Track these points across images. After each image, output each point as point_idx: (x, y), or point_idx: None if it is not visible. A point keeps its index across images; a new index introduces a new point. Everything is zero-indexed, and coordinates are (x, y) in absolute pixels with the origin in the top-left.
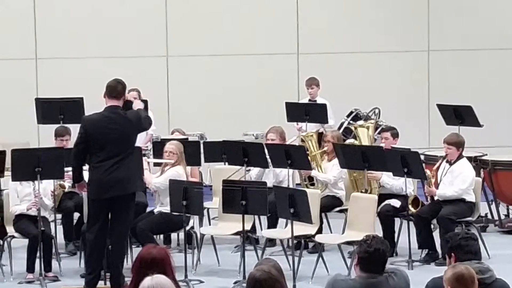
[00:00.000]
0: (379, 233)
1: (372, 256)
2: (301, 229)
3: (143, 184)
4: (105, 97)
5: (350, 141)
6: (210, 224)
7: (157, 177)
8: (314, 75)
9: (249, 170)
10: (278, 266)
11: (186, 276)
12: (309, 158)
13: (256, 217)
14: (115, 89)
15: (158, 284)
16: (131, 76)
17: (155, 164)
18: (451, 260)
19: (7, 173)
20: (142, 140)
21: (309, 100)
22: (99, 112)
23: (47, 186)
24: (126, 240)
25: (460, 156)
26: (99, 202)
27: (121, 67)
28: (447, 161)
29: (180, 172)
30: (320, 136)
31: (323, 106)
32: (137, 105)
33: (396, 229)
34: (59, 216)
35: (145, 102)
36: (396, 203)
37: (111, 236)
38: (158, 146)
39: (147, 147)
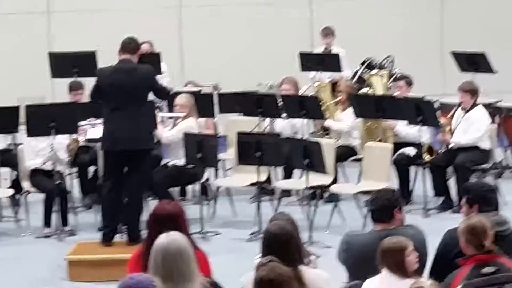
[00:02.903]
0: (395, 181)
1: (383, 207)
2: (316, 179)
3: (153, 142)
4: (119, 53)
5: (364, 90)
6: (225, 176)
7: (169, 131)
8: (327, 24)
9: (264, 120)
10: (293, 221)
11: (202, 228)
12: (323, 108)
13: (272, 168)
14: (128, 45)
15: (174, 241)
16: (143, 28)
17: (169, 118)
18: (470, 211)
19: (21, 128)
20: None
21: (325, 48)
22: (112, 65)
23: (61, 141)
24: (142, 195)
25: (474, 104)
26: (111, 155)
27: (134, 19)
28: (462, 109)
29: (192, 125)
30: (334, 86)
31: (337, 56)
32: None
33: (412, 178)
34: (74, 170)
35: (157, 54)
36: (411, 151)
37: (127, 191)
38: (172, 99)
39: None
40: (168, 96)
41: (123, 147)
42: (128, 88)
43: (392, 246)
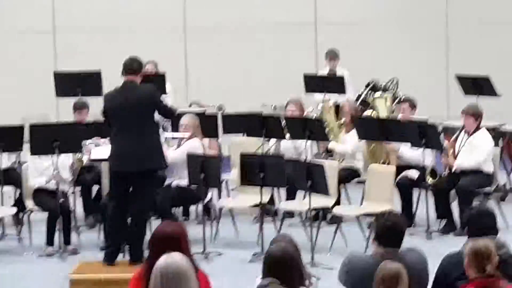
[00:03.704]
0: (398, 204)
1: (389, 230)
2: (319, 201)
3: (164, 162)
4: (122, 75)
5: (368, 112)
6: (228, 196)
7: (174, 151)
8: (332, 46)
9: (268, 141)
10: (295, 243)
11: (205, 248)
12: (327, 130)
13: (275, 189)
14: (131, 66)
15: (173, 262)
16: (148, 48)
17: (173, 138)
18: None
19: (25, 147)
20: None
21: (330, 71)
22: (116, 88)
23: (65, 160)
24: (146, 216)
25: (478, 127)
26: (117, 175)
27: (139, 39)
28: (465, 132)
29: (196, 145)
30: (338, 107)
31: (341, 78)
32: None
33: (414, 200)
34: (78, 189)
35: (162, 75)
36: (414, 174)
37: (131, 211)
38: (177, 119)
39: (165, 120)
40: (174, 115)
41: (129, 168)
42: (132, 108)
43: (387, 273)
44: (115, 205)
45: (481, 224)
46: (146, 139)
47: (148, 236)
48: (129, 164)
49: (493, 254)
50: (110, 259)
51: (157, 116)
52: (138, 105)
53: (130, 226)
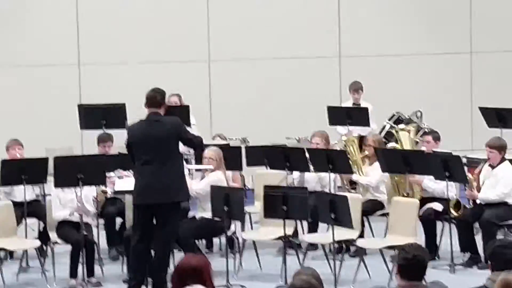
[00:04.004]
0: (421, 236)
1: (411, 263)
2: (343, 233)
3: (188, 193)
4: (145, 107)
5: (391, 144)
6: (252, 228)
7: (197, 183)
8: (355, 78)
9: (292, 173)
10: (317, 275)
11: (228, 281)
12: (350, 162)
13: (298, 221)
14: (154, 99)
15: None
16: (172, 81)
17: (197, 170)
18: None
19: (49, 179)
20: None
21: (353, 103)
22: (140, 120)
23: (88, 193)
24: (170, 248)
25: (502, 159)
26: (140, 208)
27: (163, 72)
28: (489, 165)
29: (220, 178)
30: (362, 140)
31: (365, 110)
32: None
33: (438, 233)
34: (101, 221)
35: (186, 107)
36: (438, 206)
37: (155, 244)
38: (200, 151)
39: (189, 152)
40: (201, 145)
41: (153, 201)
42: (156, 141)
43: None
44: (139, 238)
45: (506, 256)
46: (171, 171)
47: (171, 269)
48: (153, 197)
49: None
50: None
51: (181, 147)
52: (163, 137)
53: (154, 259)
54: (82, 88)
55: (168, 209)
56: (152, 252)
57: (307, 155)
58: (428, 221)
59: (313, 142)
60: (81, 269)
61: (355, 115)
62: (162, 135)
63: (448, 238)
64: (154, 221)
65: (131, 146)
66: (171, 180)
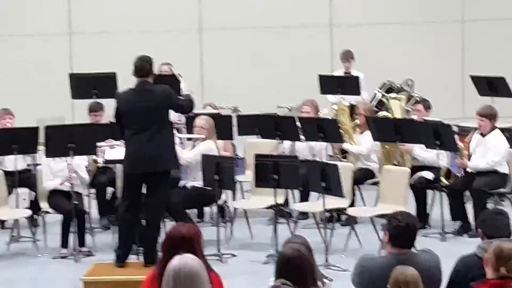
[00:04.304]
0: (412, 205)
1: (402, 231)
2: (334, 202)
3: (177, 162)
4: (134, 75)
5: (382, 113)
6: (243, 198)
7: (188, 152)
8: (347, 47)
9: (282, 143)
10: (308, 244)
11: (219, 250)
12: (341, 131)
13: (289, 190)
14: (143, 68)
15: (185, 264)
16: (164, 50)
17: (188, 139)
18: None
19: (40, 149)
20: (174, 114)
21: (345, 72)
22: (129, 89)
23: (80, 162)
24: (160, 216)
25: (493, 128)
26: (131, 176)
27: (154, 41)
28: (480, 133)
29: (211, 147)
30: (353, 109)
31: (356, 79)
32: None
33: (429, 201)
34: (92, 191)
35: (178, 75)
36: (428, 175)
37: (146, 212)
38: (191, 120)
39: (180, 120)
40: (192, 105)
41: (144, 169)
42: (147, 110)
43: (402, 280)
44: (127, 207)
45: (497, 223)
46: (161, 140)
47: (162, 238)
48: (144, 165)
49: None
50: (121, 261)
51: (172, 116)
52: (153, 107)
53: (144, 228)
54: (73, 57)
55: (158, 178)
56: (143, 222)
57: (298, 124)
58: (419, 189)
59: (303, 110)
60: (72, 239)
61: (346, 84)
62: (153, 105)
63: (438, 206)
64: (144, 190)
65: (121, 115)
66: (161, 149)
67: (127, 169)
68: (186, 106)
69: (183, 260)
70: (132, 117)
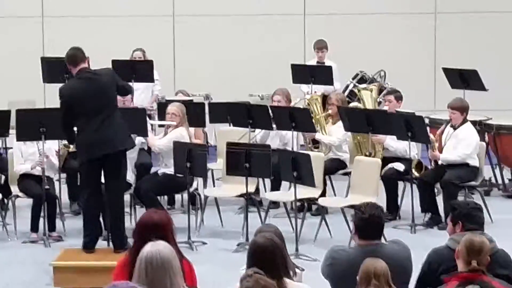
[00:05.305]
0: (383, 196)
1: (367, 223)
2: (305, 192)
3: (133, 141)
4: (70, 66)
5: (354, 104)
6: (214, 185)
7: (160, 139)
8: (320, 37)
9: (254, 131)
10: (280, 233)
11: (189, 237)
12: (313, 120)
13: (260, 179)
14: (77, 57)
15: (158, 251)
16: (137, 35)
17: (160, 126)
18: (455, 228)
19: (12, 132)
20: (147, 100)
21: (318, 62)
22: (72, 79)
23: (51, 146)
24: (122, 197)
25: (464, 121)
26: (90, 163)
27: (127, 26)
28: (451, 126)
29: (183, 134)
30: (325, 98)
31: (329, 69)
32: None
33: (400, 193)
34: (63, 175)
35: (150, 62)
36: (399, 166)
37: (108, 196)
38: (163, 107)
39: (152, 107)
40: (131, 91)
41: (105, 151)
42: (96, 94)
43: (372, 272)
44: (90, 194)
45: (476, 219)
46: (114, 122)
47: (133, 224)
48: (103, 148)
49: (485, 252)
50: (89, 248)
51: (146, 103)
52: (103, 90)
53: (109, 214)
54: (46, 41)
55: (117, 158)
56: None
57: (270, 112)
58: (390, 180)
59: (274, 100)
60: (42, 223)
61: (319, 74)
62: (102, 88)
63: (409, 198)
64: (103, 174)
65: (69, 108)
66: (116, 130)
67: (86, 155)
68: (128, 89)
69: (155, 247)
70: (84, 105)
